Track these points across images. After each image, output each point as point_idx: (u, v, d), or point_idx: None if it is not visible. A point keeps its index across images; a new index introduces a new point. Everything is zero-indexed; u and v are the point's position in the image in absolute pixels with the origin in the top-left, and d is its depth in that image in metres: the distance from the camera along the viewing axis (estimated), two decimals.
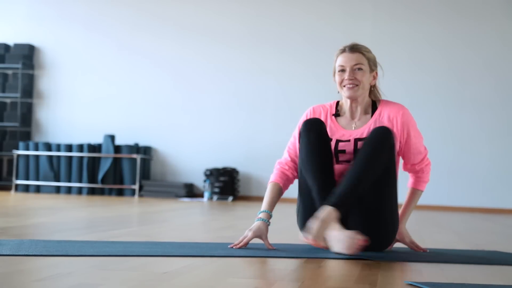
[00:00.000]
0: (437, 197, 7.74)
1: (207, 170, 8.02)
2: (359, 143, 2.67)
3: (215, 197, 7.91)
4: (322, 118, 2.78)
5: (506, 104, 7.81)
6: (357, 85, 2.69)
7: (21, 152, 8.19)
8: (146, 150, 8.33)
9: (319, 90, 7.73)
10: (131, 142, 8.44)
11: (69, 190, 8.10)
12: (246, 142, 8.24)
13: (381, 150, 2.55)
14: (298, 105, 8.02)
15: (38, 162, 8.20)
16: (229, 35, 8.38)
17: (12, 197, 6.88)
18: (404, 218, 2.83)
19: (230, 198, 7.93)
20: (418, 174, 2.82)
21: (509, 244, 3.75)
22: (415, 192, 2.84)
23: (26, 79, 8.64)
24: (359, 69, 2.69)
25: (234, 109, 8.31)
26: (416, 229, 4.49)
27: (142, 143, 8.46)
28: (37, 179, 8.17)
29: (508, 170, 7.74)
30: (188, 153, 8.38)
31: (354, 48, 2.72)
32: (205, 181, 7.96)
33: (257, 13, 8.35)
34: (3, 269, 1.93)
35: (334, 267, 2.24)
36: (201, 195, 8.23)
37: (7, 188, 8.52)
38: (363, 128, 2.72)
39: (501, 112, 7.81)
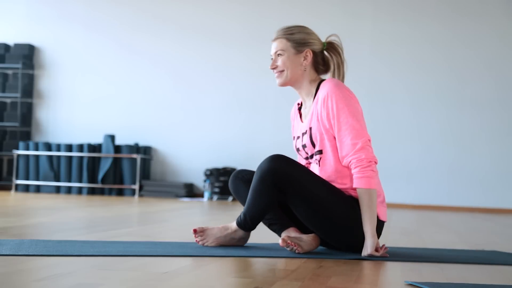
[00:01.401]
0: (437, 197, 7.74)
1: (207, 170, 8.02)
2: (305, 137, 2.67)
3: (215, 197, 7.91)
4: (293, 116, 2.84)
5: (506, 104, 7.81)
6: (281, 71, 2.71)
7: (21, 152, 8.19)
8: (146, 150, 8.33)
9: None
10: (131, 142, 8.44)
11: (69, 190, 8.10)
12: (246, 142, 8.24)
13: (261, 184, 2.51)
14: None
15: (38, 162, 8.20)
16: (229, 35, 8.38)
17: (12, 197, 6.88)
18: (364, 224, 2.51)
19: (230, 198, 7.93)
20: (352, 170, 2.55)
21: (509, 244, 3.75)
22: (359, 192, 2.52)
23: (26, 79, 8.64)
24: (279, 54, 2.70)
25: (234, 108, 8.31)
26: (416, 229, 4.50)
27: (142, 143, 8.46)
28: (37, 179, 8.17)
29: (508, 170, 7.74)
30: (188, 153, 8.38)
31: (275, 36, 2.75)
32: (205, 181, 7.96)
33: (257, 13, 8.35)
34: (3, 269, 1.93)
35: (334, 267, 2.24)
36: (201, 195, 8.23)
37: (7, 188, 8.52)
38: (309, 118, 2.67)
39: (501, 112, 7.80)
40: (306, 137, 2.66)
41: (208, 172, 8.00)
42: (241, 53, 8.33)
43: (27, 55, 8.63)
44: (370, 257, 2.50)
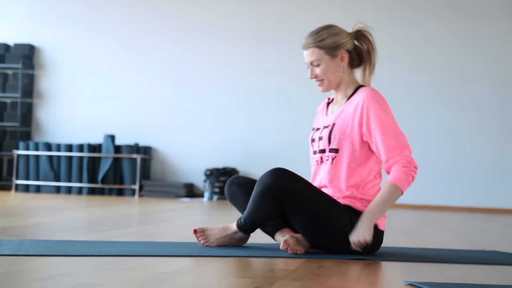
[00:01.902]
0: (437, 197, 7.74)
1: (207, 170, 8.02)
2: (325, 130, 2.67)
3: (215, 197, 7.91)
4: (320, 109, 2.84)
5: (506, 104, 7.81)
6: (321, 80, 2.68)
7: (21, 152, 8.19)
8: (146, 150, 8.33)
9: (319, 90, 7.73)
10: (131, 142, 8.44)
11: (69, 190, 8.10)
12: (246, 142, 8.24)
13: (262, 197, 2.49)
14: (298, 105, 8.02)
15: (38, 162, 8.20)
16: (229, 35, 8.38)
17: (12, 197, 6.88)
18: (368, 211, 2.49)
19: None
20: (394, 165, 2.53)
21: (509, 244, 3.75)
22: (386, 185, 2.52)
23: (26, 79, 8.64)
24: (317, 65, 2.67)
25: (234, 109, 8.32)
26: (416, 229, 4.50)
27: (142, 143, 8.46)
28: (37, 179, 8.17)
29: (508, 170, 7.74)
30: (188, 153, 8.38)
31: (305, 45, 2.68)
32: (205, 181, 7.96)
33: (257, 13, 8.35)
34: (3, 269, 1.93)
35: (334, 267, 2.24)
36: (201, 195, 8.23)
37: (7, 188, 8.52)
38: (336, 114, 2.68)
39: (501, 112, 7.80)
40: (326, 131, 2.66)
41: (208, 172, 8.00)
42: (241, 53, 8.33)
43: (27, 55, 8.63)
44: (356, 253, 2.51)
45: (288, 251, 2.52)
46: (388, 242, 3.23)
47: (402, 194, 2.52)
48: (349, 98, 2.67)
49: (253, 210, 2.53)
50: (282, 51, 8.20)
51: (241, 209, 2.76)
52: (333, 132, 2.63)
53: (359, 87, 2.68)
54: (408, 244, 3.27)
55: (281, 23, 8.25)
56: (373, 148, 2.58)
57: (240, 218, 2.61)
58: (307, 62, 2.69)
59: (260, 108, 8.24)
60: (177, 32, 8.51)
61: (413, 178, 2.52)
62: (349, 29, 2.74)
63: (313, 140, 2.74)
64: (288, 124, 8.07)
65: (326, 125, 2.69)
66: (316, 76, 2.68)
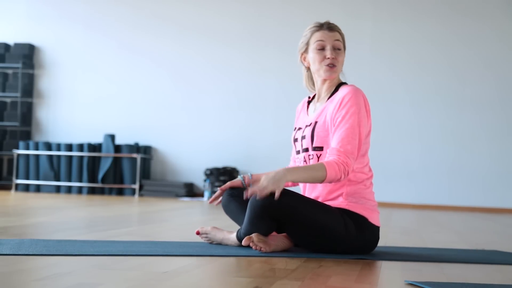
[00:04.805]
0: (437, 196, 7.74)
1: (207, 169, 8.02)
2: (307, 129, 2.67)
3: None
4: (299, 108, 2.87)
5: (506, 104, 7.81)
6: (335, 66, 2.66)
7: (21, 151, 8.19)
8: (146, 150, 8.33)
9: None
10: (131, 141, 8.43)
11: (69, 190, 8.10)
12: (246, 142, 8.24)
13: (256, 218, 2.48)
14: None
15: (38, 162, 8.19)
16: (229, 35, 8.38)
17: (12, 196, 6.88)
18: (285, 168, 2.49)
19: None
20: (329, 155, 2.52)
21: (509, 243, 3.75)
22: (318, 162, 2.49)
23: (26, 79, 8.64)
24: (339, 49, 2.68)
25: (234, 108, 8.31)
26: (417, 228, 4.50)
27: (142, 142, 8.46)
28: (37, 179, 8.17)
29: (508, 170, 7.74)
30: (188, 152, 8.38)
31: (333, 27, 2.69)
32: (205, 180, 7.96)
33: (257, 12, 8.35)
34: (3, 269, 1.93)
35: (334, 267, 2.24)
36: (201, 195, 8.23)
37: (7, 187, 8.52)
38: (318, 112, 2.68)
39: (501, 111, 7.80)
40: (309, 129, 2.66)
41: (208, 172, 8.00)
42: (242, 53, 8.33)
43: (27, 54, 8.63)
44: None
45: (252, 247, 2.51)
46: (388, 241, 3.23)
47: (322, 181, 2.47)
48: (331, 95, 2.67)
49: (251, 230, 2.52)
50: (282, 50, 8.19)
51: (234, 218, 2.75)
52: (316, 130, 2.62)
53: (340, 84, 2.70)
54: (408, 244, 3.27)
55: (281, 23, 8.25)
56: (330, 133, 2.56)
57: (239, 230, 2.60)
58: (331, 42, 2.66)
59: (260, 107, 8.24)
60: (177, 32, 8.51)
61: (340, 178, 2.48)
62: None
63: (295, 140, 2.74)
64: (289, 124, 8.06)
65: (308, 123, 2.69)
66: (336, 59, 2.66)
